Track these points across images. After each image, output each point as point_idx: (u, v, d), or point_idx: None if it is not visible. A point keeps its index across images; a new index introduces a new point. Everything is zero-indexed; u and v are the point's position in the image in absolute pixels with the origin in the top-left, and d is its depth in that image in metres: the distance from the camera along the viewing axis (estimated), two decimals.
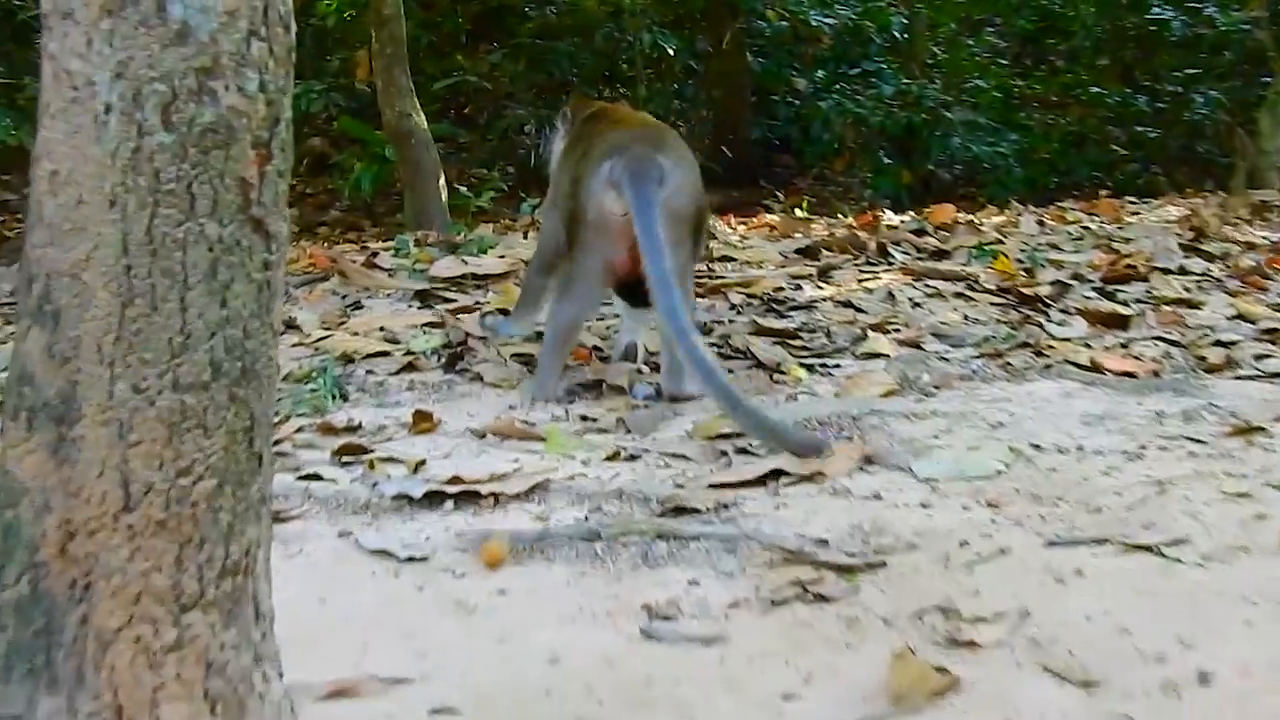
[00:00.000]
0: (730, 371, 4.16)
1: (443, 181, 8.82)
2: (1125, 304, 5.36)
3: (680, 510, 2.87)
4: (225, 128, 1.63)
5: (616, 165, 3.80)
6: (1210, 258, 6.49)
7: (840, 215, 9.67)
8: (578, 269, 3.96)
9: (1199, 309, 5.32)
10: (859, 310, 5.15)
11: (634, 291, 3.81)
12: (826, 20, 14.28)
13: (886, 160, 13.71)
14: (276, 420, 3.28)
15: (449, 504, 2.92)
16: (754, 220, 8.81)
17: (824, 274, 5.95)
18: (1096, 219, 8.42)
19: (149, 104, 1.60)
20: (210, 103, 1.62)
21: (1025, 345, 4.50)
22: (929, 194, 12.89)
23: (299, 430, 3.53)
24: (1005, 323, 4.97)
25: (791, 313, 5.13)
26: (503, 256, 6.06)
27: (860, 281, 5.77)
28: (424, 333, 4.68)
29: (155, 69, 1.60)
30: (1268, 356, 4.41)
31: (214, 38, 1.62)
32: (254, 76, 1.65)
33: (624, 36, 13.33)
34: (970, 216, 8.56)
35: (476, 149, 13.82)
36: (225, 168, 1.64)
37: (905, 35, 14.66)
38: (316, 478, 3.09)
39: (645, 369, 4.29)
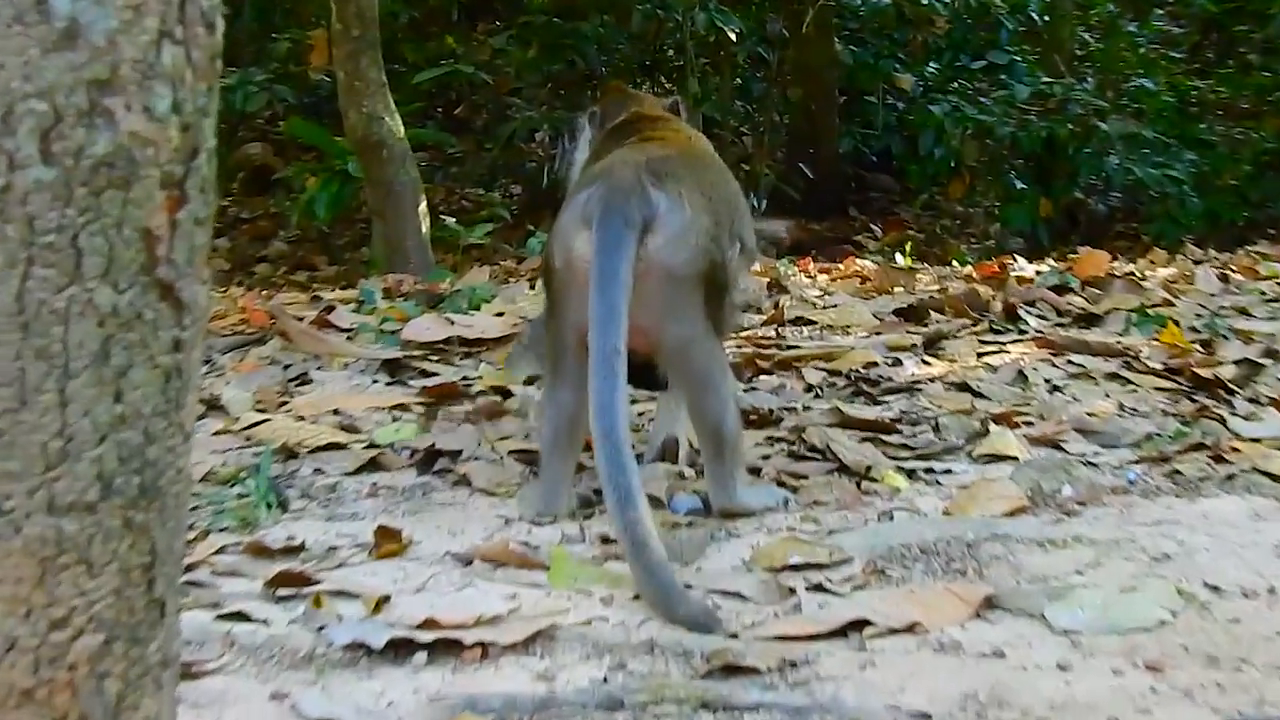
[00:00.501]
0: (804, 477, 4.14)
1: (424, 207, 8.88)
2: None
3: (732, 670, 2.85)
4: (125, 161, 1.64)
5: (594, 197, 3.74)
6: None
7: (956, 262, 9.72)
8: (557, 337, 3.92)
9: None
10: (978, 395, 5.14)
11: (636, 369, 3.69)
12: None
13: (1019, 185, 13.74)
14: (191, 538, 3.29)
15: (420, 656, 2.89)
16: (840, 266, 8.83)
17: (932, 344, 5.96)
18: None
19: (23, 128, 1.60)
20: (105, 127, 1.62)
21: (1201, 447, 4.47)
22: (1075, 232, 12.94)
23: (220, 551, 3.52)
24: (1174, 415, 4.95)
25: (888, 397, 5.13)
26: (502, 314, 6.07)
27: (981, 356, 5.77)
28: (393, 418, 4.69)
29: (32, 81, 1.60)
30: None
31: (112, 40, 1.62)
32: (165, 93, 1.65)
33: (670, 15, 13.35)
34: (1130, 267, 8.56)
35: (471, 163, 13.93)
36: (124, 214, 1.64)
37: (1046, 18, 14.69)
38: (242, 618, 3.08)
39: (689, 473, 4.28)
